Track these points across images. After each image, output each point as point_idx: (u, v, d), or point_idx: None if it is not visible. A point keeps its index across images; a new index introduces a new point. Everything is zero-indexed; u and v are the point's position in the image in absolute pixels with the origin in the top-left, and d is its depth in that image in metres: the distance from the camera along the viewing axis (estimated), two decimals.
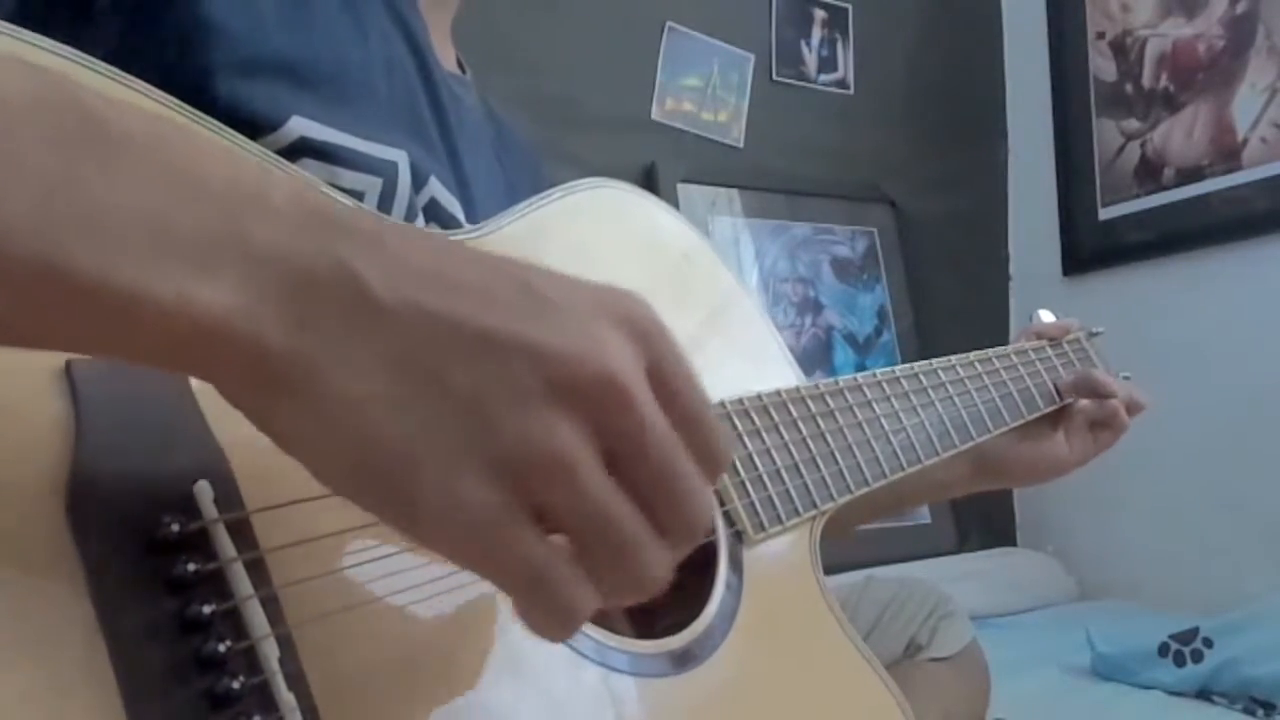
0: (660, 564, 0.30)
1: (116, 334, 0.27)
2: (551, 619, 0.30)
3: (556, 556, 0.29)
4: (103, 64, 0.35)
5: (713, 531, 0.54)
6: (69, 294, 0.26)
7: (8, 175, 0.25)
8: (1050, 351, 0.84)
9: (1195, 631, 1.33)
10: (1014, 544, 2.04)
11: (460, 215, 0.57)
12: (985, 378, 0.75)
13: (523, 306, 0.29)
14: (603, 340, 0.29)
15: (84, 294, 0.26)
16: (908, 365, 0.71)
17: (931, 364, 0.72)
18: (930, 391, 0.70)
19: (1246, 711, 1.25)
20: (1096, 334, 0.91)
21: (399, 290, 0.28)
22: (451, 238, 0.49)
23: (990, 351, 0.78)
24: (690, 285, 0.62)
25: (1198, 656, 1.31)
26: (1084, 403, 0.84)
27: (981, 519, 1.96)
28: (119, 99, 0.28)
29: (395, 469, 0.28)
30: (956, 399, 0.72)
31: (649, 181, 1.73)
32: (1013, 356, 0.80)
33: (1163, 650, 1.33)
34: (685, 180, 1.79)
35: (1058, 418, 0.84)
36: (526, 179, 0.68)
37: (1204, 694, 1.30)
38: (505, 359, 0.28)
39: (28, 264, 0.25)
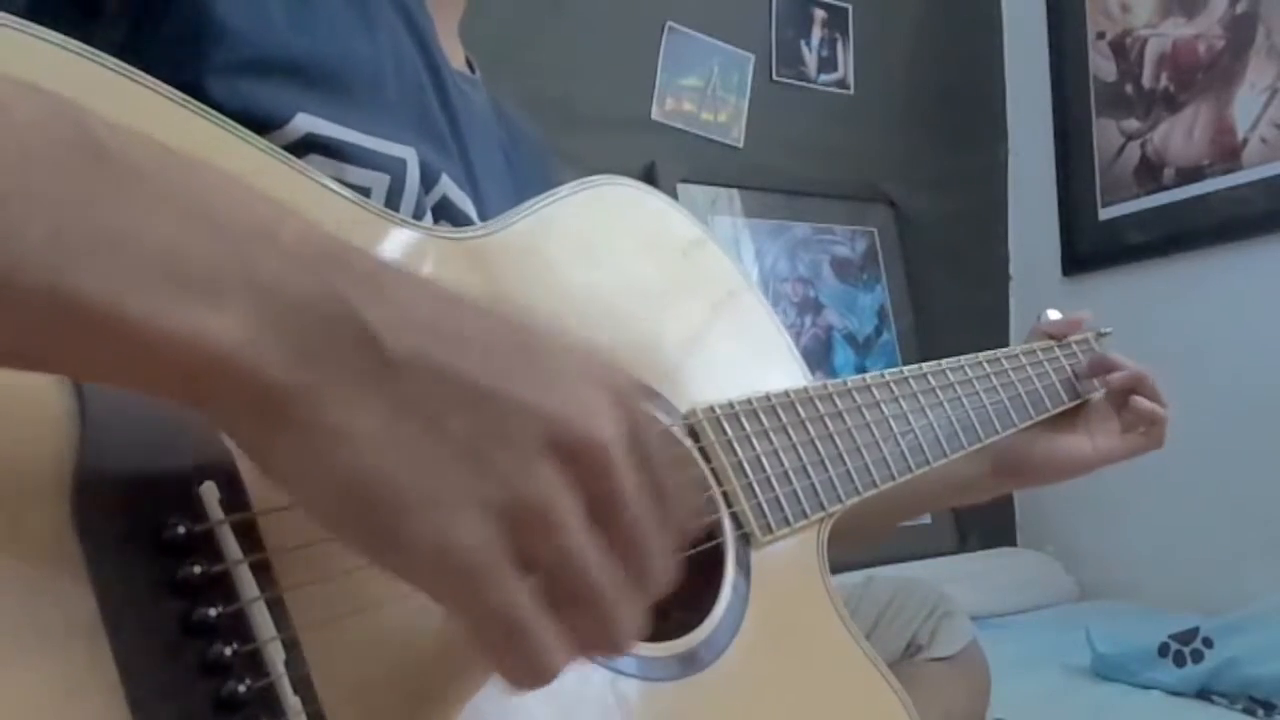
0: (634, 620, 0.31)
1: (120, 364, 0.27)
2: (524, 670, 0.30)
3: (538, 608, 0.29)
4: (113, 60, 0.35)
5: (718, 533, 0.53)
6: (75, 323, 0.26)
7: (20, 204, 0.25)
8: (1059, 352, 0.84)
9: (1195, 631, 1.33)
10: (1014, 544, 2.04)
11: (472, 213, 0.57)
12: (994, 379, 0.75)
13: (522, 367, 0.30)
14: (593, 405, 0.30)
15: (90, 324, 0.26)
16: (916, 366, 0.70)
17: (940, 365, 0.72)
18: (939, 393, 0.70)
19: (1246, 711, 1.25)
20: (1105, 334, 0.91)
21: (403, 340, 0.28)
22: (460, 237, 0.49)
23: (999, 352, 0.78)
24: (696, 281, 0.62)
25: (1198, 656, 1.31)
26: (1100, 397, 0.84)
27: (981, 519, 1.96)
28: (125, 128, 0.28)
29: (385, 504, 0.28)
30: (965, 400, 0.72)
31: (648, 181, 1.71)
32: (1021, 357, 0.80)
33: (1163, 650, 1.34)
34: (685, 180, 1.79)
35: (1078, 415, 0.83)
36: (537, 176, 0.68)
37: (1204, 694, 1.30)
38: (504, 414, 0.29)
39: (37, 294, 0.25)
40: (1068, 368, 0.84)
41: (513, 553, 0.29)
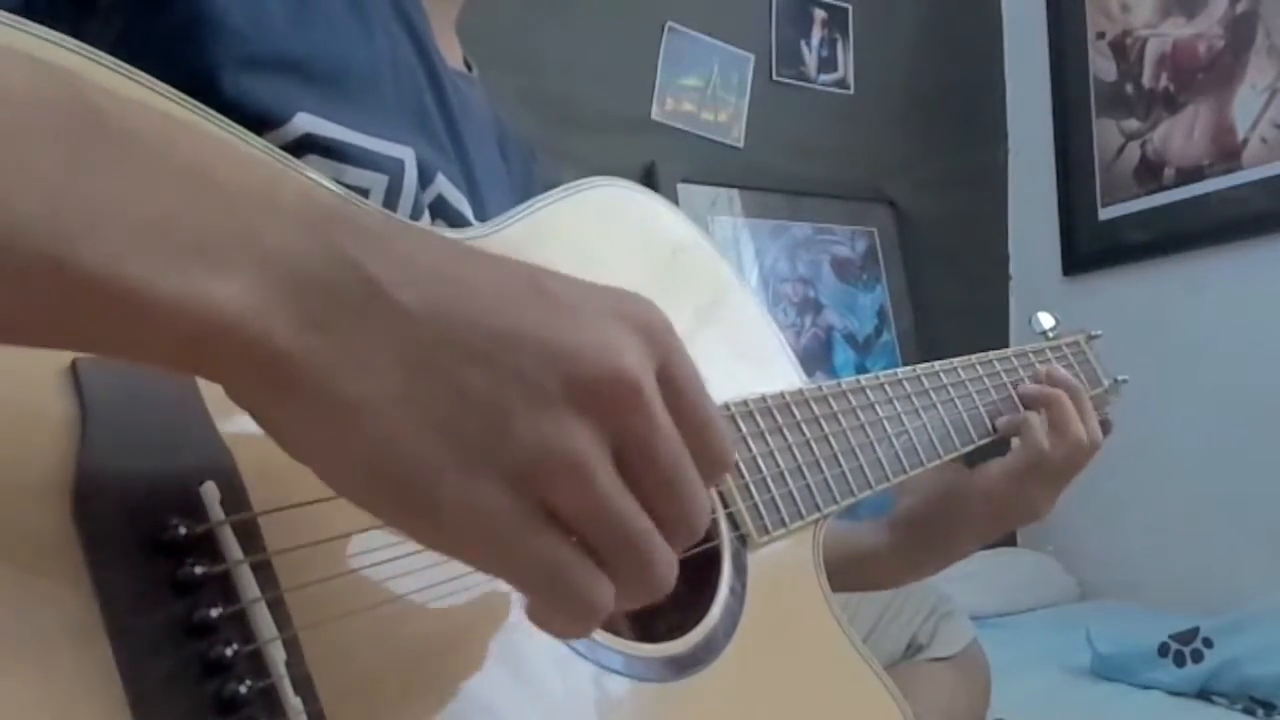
0: (667, 563, 0.30)
1: (125, 333, 0.27)
2: (572, 617, 0.30)
3: (575, 555, 0.29)
4: (108, 57, 0.35)
5: (715, 534, 0.53)
6: (78, 292, 0.25)
7: (16, 173, 0.24)
8: (1050, 354, 0.84)
9: (1195, 631, 1.33)
10: (1014, 544, 2.04)
11: (468, 212, 0.57)
12: (986, 380, 0.75)
13: (536, 306, 0.29)
14: (616, 340, 0.29)
15: (93, 292, 0.25)
16: (910, 367, 0.70)
17: (933, 366, 0.72)
18: (932, 394, 0.70)
19: (1246, 711, 1.25)
20: (1095, 336, 0.91)
21: (413, 291, 0.28)
22: (455, 237, 0.49)
23: (992, 354, 0.78)
24: (691, 283, 0.62)
25: (1198, 656, 1.31)
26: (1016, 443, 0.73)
27: None
28: (125, 96, 0.27)
29: (414, 473, 0.28)
30: (958, 401, 0.72)
31: (649, 181, 1.73)
32: (1013, 359, 0.79)
33: (1163, 650, 1.34)
34: (685, 180, 1.79)
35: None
36: (524, 178, 0.68)
37: (1204, 694, 1.30)
38: (521, 359, 0.28)
39: (37, 262, 0.25)
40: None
41: (542, 504, 0.28)
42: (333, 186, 0.42)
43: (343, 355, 0.27)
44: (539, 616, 0.30)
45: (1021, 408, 0.74)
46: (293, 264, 0.27)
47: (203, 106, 0.38)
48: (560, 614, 0.30)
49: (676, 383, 0.31)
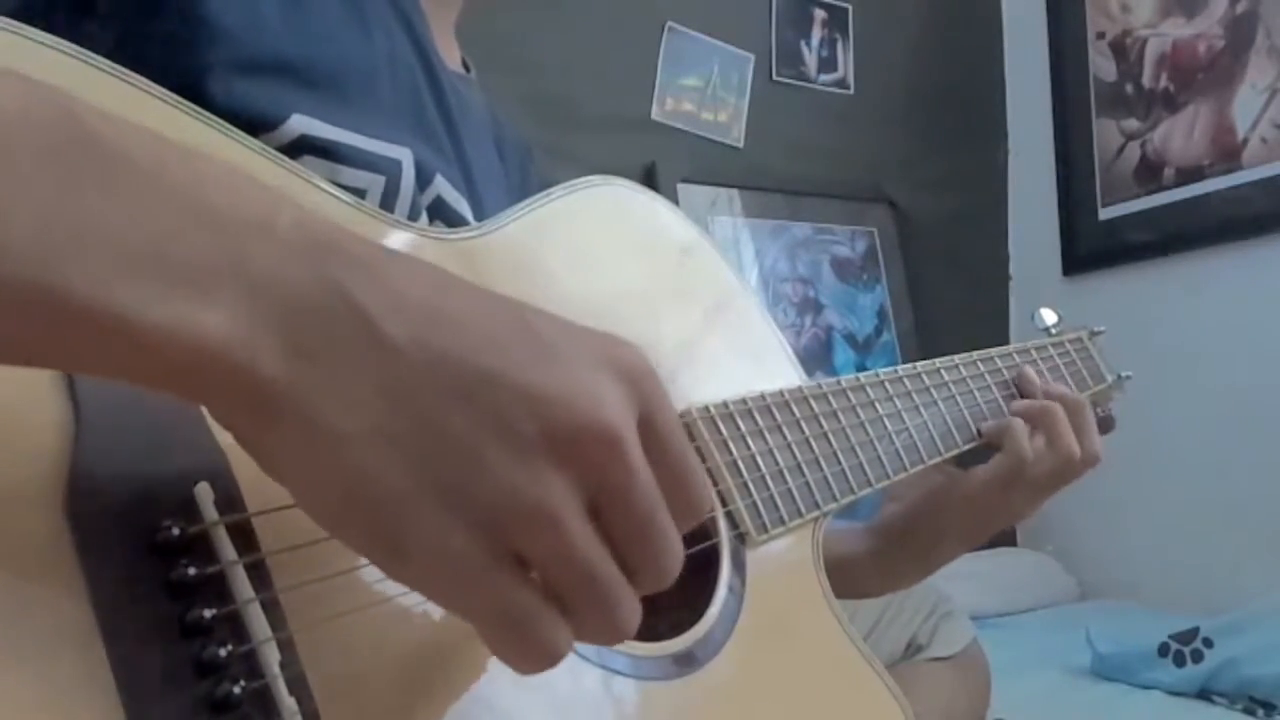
0: (632, 611, 0.31)
1: (112, 357, 0.27)
2: (528, 660, 0.30)
3: (536, 602, 0.29)
4: (105, 61, 0.35)
5: (714, 532, 0.53)
6: (64, 316, 0.25)
7: (5, 194, 0.24)
8: (1053, 350, 0.84)
9: (1195, 631, 1.33)
10: (1014, 544, 2.04)
11: (468, 213, 0.57)
12: (988, 377, 0.74)
13: (523, 349, 0.29)
14: (599, 389, 0.29)
15: (79, 316, 0.25)
16: (910, 364, 0.70)
17: (934, 363, 0.71)
18: (933, 391, 0.70)
19: (1246, 711, 1.25)
20: (1098, 333, 0.90)
21: (402, 325, 0.28)
22: (453, 237, 0.49)
23: (993, 350, 0.78)
24: (691, 283, 0.62)
25: (1198, 656, 1.31)
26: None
27: None
28: (119, 118, 0.27)
29: (385, 507, 0.28)
30: (959, 398, 0.71)
31: (649, 181, 1.73)
32: (1015, 356, 0.79)
33: (1163, 650, 1.34)
34: (685, 180, 1.79)
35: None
36: (519, 177, 0.68)
37: (1204, 694, 1.30)
38: (503, 403, 0.28)
39: (23, 286, 0.25)
40: (1061, 367, 0.83)
41: (509, 550, 0.29)
42: (329, 188, 0.42)
43: (327, 385, 0.27)
44: (496, 651, 0.30)
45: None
46: (282, 292, 0.27)
47: (199, 109, 0.38)
48: (514, 656, 0.30)
49: (657, 430, 0.31)
